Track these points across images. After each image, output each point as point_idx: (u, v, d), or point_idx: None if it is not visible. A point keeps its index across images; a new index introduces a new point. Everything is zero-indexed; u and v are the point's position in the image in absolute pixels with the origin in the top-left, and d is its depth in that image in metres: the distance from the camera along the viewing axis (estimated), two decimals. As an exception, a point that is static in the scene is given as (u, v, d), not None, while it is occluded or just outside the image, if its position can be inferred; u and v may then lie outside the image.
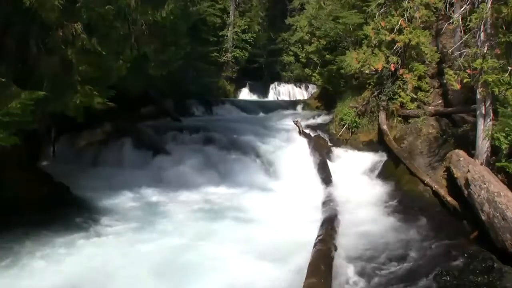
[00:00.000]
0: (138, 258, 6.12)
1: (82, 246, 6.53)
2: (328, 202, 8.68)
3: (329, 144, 12.52)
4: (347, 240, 6.86)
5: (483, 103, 7.66)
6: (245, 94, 24.31)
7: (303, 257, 6.01)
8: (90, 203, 8.41)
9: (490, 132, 7.38)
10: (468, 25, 7.95)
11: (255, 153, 11.52)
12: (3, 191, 6.97)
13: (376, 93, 12.24)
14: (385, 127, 11.47)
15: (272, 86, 24.60)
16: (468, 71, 7.61)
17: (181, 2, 8.88)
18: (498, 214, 5.99)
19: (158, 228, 7.35)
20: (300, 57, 24.22)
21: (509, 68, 7.01)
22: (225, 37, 23.23)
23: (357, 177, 10.76)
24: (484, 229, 6.42)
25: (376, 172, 10.76)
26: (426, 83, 11.80)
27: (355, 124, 12.52)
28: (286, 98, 23.69)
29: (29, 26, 6.30)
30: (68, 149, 10.62)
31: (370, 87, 12.58)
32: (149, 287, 5.48)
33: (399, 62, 11.60)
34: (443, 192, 8.39)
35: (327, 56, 17.35)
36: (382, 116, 11.81)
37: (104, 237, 6.94)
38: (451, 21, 9.15)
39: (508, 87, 7.01)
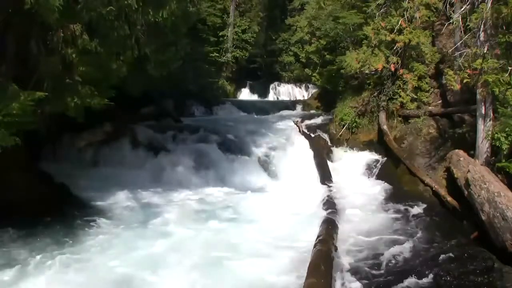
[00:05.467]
0: (135, 260, 6.11)
1: (81, 247, 6.51)
2: (328, 202, 8.69)
3: (329, 144, 12.52)
4: (347, 240, 6.87)
5: (483, 103, 7.67)
6: (245, 94, 24.30)
7: (302, 257, 6.03)
8: (90, 203, 8.41)
9: (490, 132, 7.38)
10: (468, 25, 7.96)
11: (255, 154, 11.52)
12: (3, 191, 6.98)
13: (376, 93, 12.25)
14: (385, 127, 11.47)
15: (272, 86, 24.58)
16: (468, 71, 7.61)
17: (182, 2, 8.85)
18: (498, 214, 6.00)
19: (157, 230, 7.32)
20: (300, 57, 24.23)
21: (509, 68, 7.01)
22: (225, 37, 23.19)
23: (357, 177, 10.77)
24: (484, 229, 6.43)
25: (376, 172, 10.77)
26: (426, 83, 11.81)
27: (355, 124, 12.52)
28: (286, 98, 23.66)
29: (30, 26, 6.31)
30: (68, 149, 10.60)
31: (370, 87, 12.59)
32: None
33: (399, 62, 11.61)
34: (443, 192, 8.40)
35: (327, 56, 17.36)
36: (382, 116, 11.82)
37: (104, 238, 6.92)
38: (451, 21, 9.17)
39: (508, 87, 7.02)
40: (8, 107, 5.66)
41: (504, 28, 7.26)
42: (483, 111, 7.66)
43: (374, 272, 5.92)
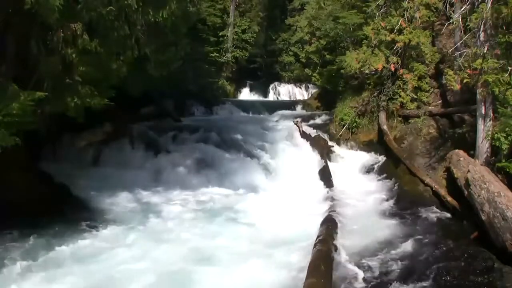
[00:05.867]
0: (132, 260, 6.09)
1: (80, 247, 6.52)
2: (327, 202, 8.69)
3: (329, 144, 12.51)
4: (346, 240, 6.86)
5: (483, 103, 7.67)
6: (245, 94, 24.30)
7: (302, 258, 6.03)
8: (90, 203, 8.43)
9: (490, 133, 7.38)
10: (468, 25, 7.96)
11: (255, 154, 11.52)
12: (3, 191, 6.98)
13: (376, 93, 12.25)
14: (385, 127, 11.47)
15: (272, 86, 24.56)
16: (468, 71, 7.61)
17: (182, 2, 8.86)
18: (498, 214, 6.00)
19: (156, 230, 7.32)
20: (300, 57, 24.22)
21: (509, 68, 7.01)
22: (225, 37, 23.18)
23: (357, 177, 10.77)
24: (484, 229, 6.43)
25: (376, 172, 10.77)
26: (426, 83, 11.80)
27: (355, 124, 12.51)
28: (286, 98, 23.66)
29: (30, 26, 6.31)
30: (68, 149, 10.61)
31: (370, 87, 12.59)
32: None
33: (399, 62, 11.60)
34: (443, 192, 8.40)
35: (327, 56, 17.36)
36: (382, 116, 11.81)
37: (103, 237, 6.95)
38: (451, 21, 9.17)
39: (508, 87, 7.02)
40: (8, 107, 5.66)
41: (504, 28, 7.26)
42: (483, 111, 7.66)
43: (373, 272, 5.91)
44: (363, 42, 12.76)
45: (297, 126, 13.63)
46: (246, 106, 19.17)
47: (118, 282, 5.50)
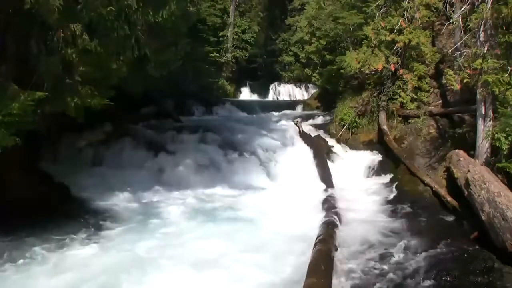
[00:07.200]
0: (132, 260, 6.08)
1: (80, 247, 6.53)
2: (328, 202, 8.70)
3: (329, 144, 12.51)
4: (346, 240, 6.87)
5: (483, 103, 7.67)
6: (245, 94, 24.31)
7: (302, 258, 6.02)
8: (90, 203, 8.42)
9: (490, 133, 7.38)
10: (468, 25, 7.97)
11: (255, 154, 11.52)
12: (3, 191, 6.98)
13: (376, 93, 12.25)
14: (385, 127, 11.47)
15: (272, 86, 24.57)
16: (468, 71, 7.62)
17: (182, 2, 8.86)
18: (498, 214, 6.00)
19: (156, 230, 7.31)
20: (300, 57, 24.23)
21: (509, 68, 7.02)
22: (225, 37, 23.21)
23: (357, 177, 10.77)
24: (484, 229, 6.43)
25: (376, 172, 10.76)
26: (426, 83, 11.79)
27: (355, 124, 12.51)
28: (286, 98, 23.67)
29: (30, 26, 6.31)
30: (68, 149, 10.61)
31: (370, 87, 12.59)
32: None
33: (399, 62, 11.60)
34: (443, 192, 8.40)
35: (327, 56, 17.35)
36: (382, 116, 11.81)
37: (103, 238, 6.94)
38: (451, 21, 9.18)
39: (508, 87, 7.02)
40: (8, 107, 5.66)
41: (504, 28, 7.27)
42: (483, 111, 7.66)
43: (373, 272, 5.91)
44: (363, 42, 12.74)
45: (297, 126, 13.63)
46: (246, 106, 19.17)
47: (118, 282, 5.49)
